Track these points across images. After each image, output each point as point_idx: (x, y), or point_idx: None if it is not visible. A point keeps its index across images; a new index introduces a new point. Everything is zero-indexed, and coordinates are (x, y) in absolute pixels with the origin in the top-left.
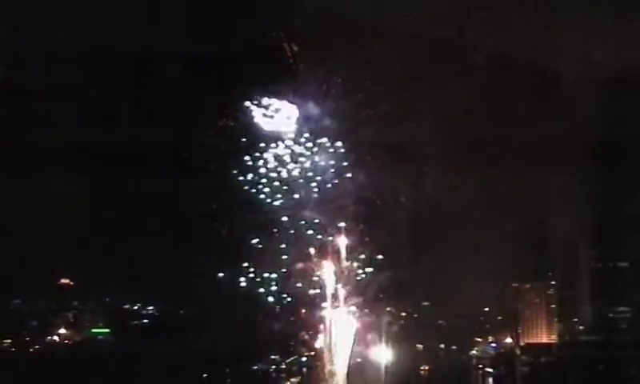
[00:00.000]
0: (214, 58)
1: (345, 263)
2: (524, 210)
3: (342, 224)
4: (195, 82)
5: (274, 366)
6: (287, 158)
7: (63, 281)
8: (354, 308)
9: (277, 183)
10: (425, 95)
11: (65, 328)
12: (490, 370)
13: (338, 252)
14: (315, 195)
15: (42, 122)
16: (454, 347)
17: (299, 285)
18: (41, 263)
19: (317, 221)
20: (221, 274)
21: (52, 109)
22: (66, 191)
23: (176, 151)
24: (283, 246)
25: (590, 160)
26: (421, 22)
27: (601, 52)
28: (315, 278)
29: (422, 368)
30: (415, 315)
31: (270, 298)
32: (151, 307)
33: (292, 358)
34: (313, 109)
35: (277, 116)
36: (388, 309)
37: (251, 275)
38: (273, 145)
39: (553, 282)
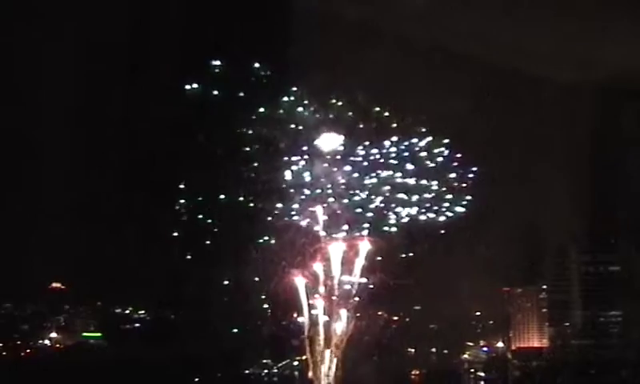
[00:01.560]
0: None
1: (338, 268)
2: (515, 215)
3: (336, 230)
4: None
5: (265, 371)
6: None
7: (55, 284)
8: (346, 312)
9: (272, 191)
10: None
11: (56, 332)
12: (482, 374)
13: (331, 257)
14: (312, 203)
15: (34, 124)
16: (445, 351)
17: (292, 290)
18: (32, 266)
19: (312, 227)
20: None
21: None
22: (59, 194)
23: (172, 157)
24: (277, 251)
25: (582, 166)
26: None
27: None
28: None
29: (413, 373)
30: (407, 319)
31: (263, 303)
32: (143, 311)
33: (284, 363)
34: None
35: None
36: (380, 313)
37: (244, 280)
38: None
39: (544, 287)
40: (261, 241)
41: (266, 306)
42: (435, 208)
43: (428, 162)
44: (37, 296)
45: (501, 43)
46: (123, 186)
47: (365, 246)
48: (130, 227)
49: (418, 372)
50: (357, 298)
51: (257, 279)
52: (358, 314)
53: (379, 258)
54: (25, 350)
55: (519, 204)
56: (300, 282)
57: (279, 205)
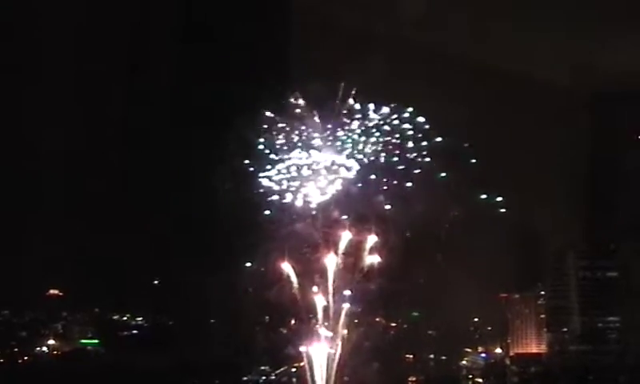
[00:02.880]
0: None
1: (337, 272)
2: (513, 221)
3: (334, 235)
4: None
5: (263, 377)
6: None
7: (52, 291)
8: (344, 318)
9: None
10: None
11: (54, 339)
12: (480, 380)
13: (330, 261)
14: (309, 208)
15: (34, 132)
16: (443, 357)
17: (290, 295)
18: (30, 274)
19: (311, 232)
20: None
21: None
22: (57, 202)
23: (167, 164)
24: (276, 256)
25: (581, 173)
26: None
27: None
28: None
29: (410, 379)
30: (405, 325)
31: (261, 309)
32: (140, 318)
33: (281, 369)
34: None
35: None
36: (378, 319)
37: (242, 287)
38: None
39: (542, 293)
40: (260, 248)
41: (264, 313)
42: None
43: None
44: (35, 303)
45: (499, 47)
46: (121, 194)
47: (372, 239)
48: (127, 235)
49: (415, 378)
50: (356, 304)
51: (256, 287)
52: (356, 321)
53: (378, 264)
54: (23, 357)
55: (517, 210)
56: (299, 289)
57: (278, 212)
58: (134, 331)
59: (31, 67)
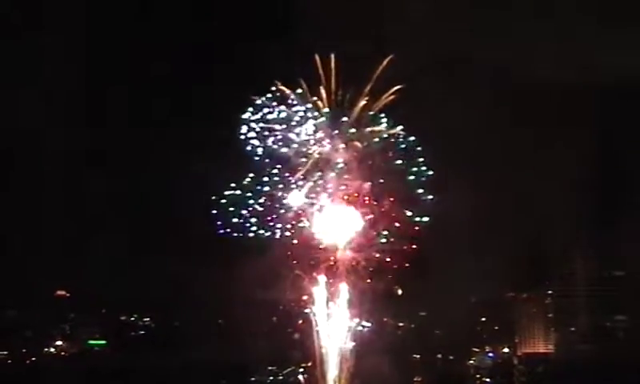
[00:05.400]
0: None
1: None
2: (521, 220)
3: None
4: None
5: (271, 378)
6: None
7: (59, 292)
8: (351, 318)
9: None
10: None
11: (61, 340)
12: (488, 379)
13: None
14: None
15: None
16: (451, 357)
17: (296, 294)
18: (37, 274)
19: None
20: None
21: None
22: (63, 203)
23: (173, 161)
24: (282, 255)
25: (587, 170)
26: None
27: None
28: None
29: (417, 379)
30: (412, 325)
31: (268, 309)
32: (147, 319)
33: (289, 369)
34: None
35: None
36: (385, 319)
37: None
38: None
39: (549, 292)
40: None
41: (271, 314)
42: None
43: None
44: (42, 304)
45: (500, 44)
46: (126, 193)
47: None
48: (135, 234)
49: (420, 378)
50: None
51: (263, 289)
52: (364, 320)
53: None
54: (30, 358)
55: (524, 209)
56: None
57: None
58: (142, 332)
59: None
